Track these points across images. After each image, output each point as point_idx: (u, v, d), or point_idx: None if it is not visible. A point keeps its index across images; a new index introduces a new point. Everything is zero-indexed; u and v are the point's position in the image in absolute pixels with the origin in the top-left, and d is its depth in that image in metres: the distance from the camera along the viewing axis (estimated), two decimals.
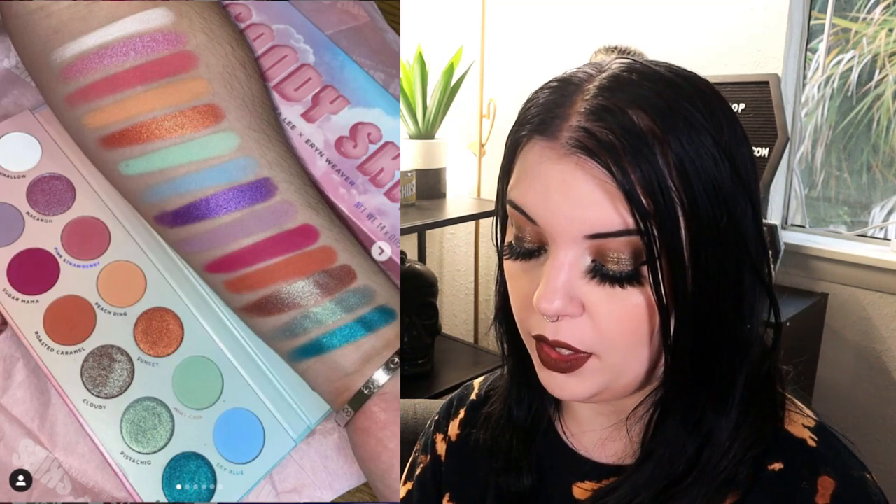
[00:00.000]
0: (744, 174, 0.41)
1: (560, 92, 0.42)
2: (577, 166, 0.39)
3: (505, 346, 0.52)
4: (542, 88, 0.43)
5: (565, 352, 0.42)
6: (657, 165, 0.38)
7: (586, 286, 0.40)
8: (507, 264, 0.45)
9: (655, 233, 0.38)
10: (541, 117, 0.41)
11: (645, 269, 0.39)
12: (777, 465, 0.43)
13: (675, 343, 0.41)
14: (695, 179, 0.39)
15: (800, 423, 0.45)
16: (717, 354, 0.42)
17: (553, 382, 0.44)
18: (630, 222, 0.38)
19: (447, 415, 0.62)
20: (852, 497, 0.41)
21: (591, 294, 0.40)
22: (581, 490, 0.50)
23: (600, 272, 0.40)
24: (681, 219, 0.39)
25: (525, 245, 0.43)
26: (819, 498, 0.41)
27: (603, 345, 0.41)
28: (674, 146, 0.38)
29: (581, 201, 0.39)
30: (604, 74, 0.41)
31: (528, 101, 0.44)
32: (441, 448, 0.60)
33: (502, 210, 0.46)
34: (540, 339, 0.43)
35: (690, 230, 0.39)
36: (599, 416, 0.50)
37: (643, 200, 0.38)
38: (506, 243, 0.45)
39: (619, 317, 0.40)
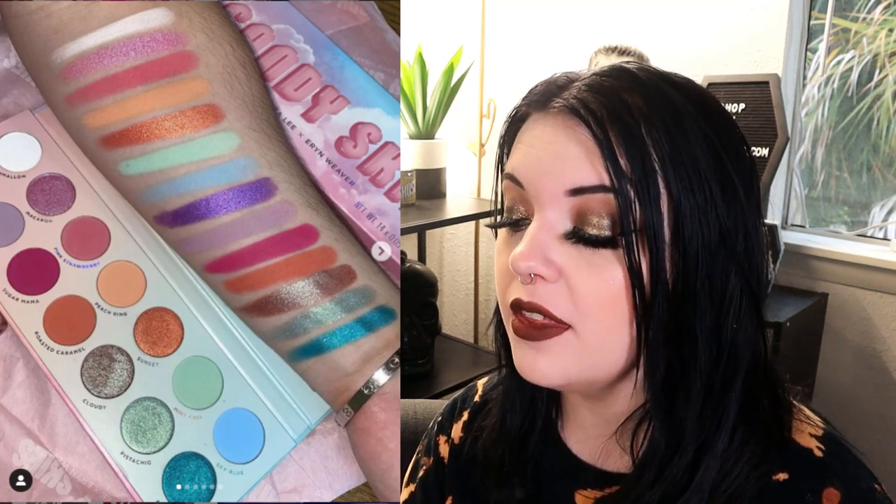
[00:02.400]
0: (731, 171, 0.41)
1: (561, 77, 0.44)
2: (564, 126, 0.41)
3: (501, 352, 0.52)
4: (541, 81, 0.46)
5: (539, 318, 0.42)
6: (639, 135, 0.39)
7: (563, 249, 0.41)
8: (498, 240, 0.46)
9: (632, 195, 0.39)
10: (540, 93, 0.44)
11: (623, 240, 0.40)
12: (782, 476, 0.42)
13: (647, 325, 0.40)
14: (677, 160, 0.39)
15: (807, 431, 0.44)
16: (693, 353, 0.41)
17: (524, 361, 0.43)
18: (606, 178, 0.39)
19: (451, 416, 0.61)
20: None
21: (569, 259, 0.41)
22: (583, 498, 0.49)
23: (578, 234, 0.41)
24: (663, 194, 0.39)
25: (513, 216, 0.44)
26: None
27: (579, 316, 0.41)
28: (658, 125, 0.40)
29: (561, 155, 0.41)
30: (603, 67, 0.43)
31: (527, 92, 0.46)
32: (444, 450, 0.60)
33: (500, 193, 0.47)
34: (516, 307, 0.43)
35: (672, 209, 0.39)
36: (603, 423, 0.49)
37: (620, 160, 0.39)
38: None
39: (596, 287, 0.40)
